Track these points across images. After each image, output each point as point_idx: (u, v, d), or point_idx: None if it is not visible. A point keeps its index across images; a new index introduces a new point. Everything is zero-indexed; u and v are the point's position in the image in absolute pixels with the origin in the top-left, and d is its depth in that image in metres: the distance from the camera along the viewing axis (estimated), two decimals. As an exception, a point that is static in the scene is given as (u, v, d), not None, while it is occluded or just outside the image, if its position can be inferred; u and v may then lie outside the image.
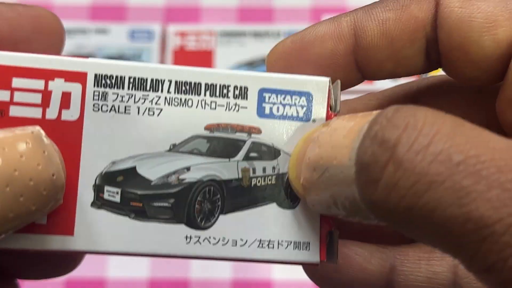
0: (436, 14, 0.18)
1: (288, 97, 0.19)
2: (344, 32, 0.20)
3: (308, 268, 0.21)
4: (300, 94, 0.19)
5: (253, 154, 0.19)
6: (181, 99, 0.18)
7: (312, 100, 0.19)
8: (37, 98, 0.17)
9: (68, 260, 0.22)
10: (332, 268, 0.20)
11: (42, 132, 0.16)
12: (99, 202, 0.18)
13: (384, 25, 0.19)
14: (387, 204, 0.13)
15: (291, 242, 0.19)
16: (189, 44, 0.46)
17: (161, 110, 0.18)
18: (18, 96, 0.17)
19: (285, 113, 0.19)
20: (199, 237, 0.18)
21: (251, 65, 0.46)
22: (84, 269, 0.44)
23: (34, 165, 0.15)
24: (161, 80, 0.18)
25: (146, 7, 0.52)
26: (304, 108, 0.19)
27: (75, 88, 0.18)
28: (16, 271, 0.21)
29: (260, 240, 0.18)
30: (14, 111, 0.17)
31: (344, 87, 0.20)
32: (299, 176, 0.17)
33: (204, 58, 0.46)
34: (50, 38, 0.19)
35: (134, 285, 0.44)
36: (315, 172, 0.16)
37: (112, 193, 0.18)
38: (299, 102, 0.19)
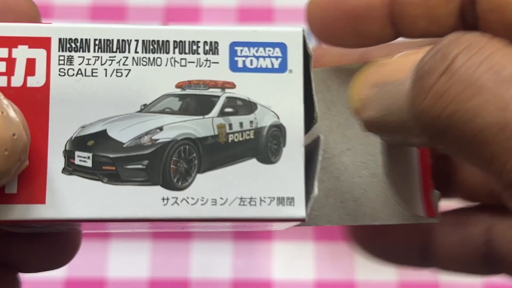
0: None
1: (261, 49, 0.18)
2: None
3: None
4: (274, 45, 0.18)
5: (228, 110, 0.18)
6: (149, 58, 0.18)
7: (286, 50, 0.18)
8: (1, 66, 0.17)
9: (66, 249, 0.21)
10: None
11: (0, 94, 0.16)
12: (70, 168, 0.17)
13: None
14: (434, 110, 0.14)
15: (274, 198, 0.18)
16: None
17: (129, 70, 0.18)
18: None
19: (259, 66, 0.18)
20: (177, 198, 0.18)
21: (251, 65, 0.46)
22: (84, 269, 0.44)
23: None
24: (128, 41, 0.18)
25: (146, 7, 0.52)
26: (279, 59, 0.18)
27: (39, 54, 0.17)
28: (14, 264, 0.21)
29: (241, 197, 0.18)
30: None
31: (377, 42, 0.21)
32: (359, 94, 0.18)
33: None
34: (20, 19, 0.19)
35: (134, 285, 0.44)
36: (375, 89, 0.17)
37: (83, 158, 0.18)
38: (273, 53, 0.18)
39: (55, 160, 0.17)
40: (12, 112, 0.16)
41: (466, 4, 0.19)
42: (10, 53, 0.17)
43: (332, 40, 0.21)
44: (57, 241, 0.21)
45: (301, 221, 0.18)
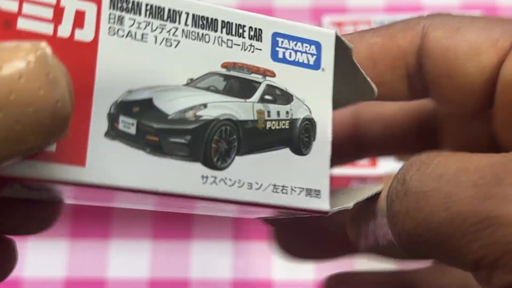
0: (421, 45, 0.20)
1: (299, 44, 0.19)
2: None
3: None
4: (311, 42, 0.19)
5: (267, 97, 0.19)
6: (198, 34, 0.18)
7: (321, 49, 0.19)
8: (48, 12, 0.16)
9: (47, 213, 0.21)
10: None
11: (49, 50, 0.14)
12: (114, 132, 0.17)
13: (371, 48, 0.20)
14: (405, 230, 0.16)
15: (303, 189, 0.19)
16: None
17: (179, 42, 0.18)
18: (28, 8, 0.16)
19: (297, 59, 0.19)
20: (215, 178, 0.18)
21: (251, 65, 0.46)
22: (84, 269, 0.44)
23: (35, 89, 0.13)
24: (179, 12, 0.18)
25: (146, 7, 0.52)
26: (314, 57, 0.19)
27: (89, 8, 0.17)
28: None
29: (275, 184, 0.18)
30: (22, 24, 0.16)
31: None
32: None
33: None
34: None
35: (134, 285, 0.44)
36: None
37: (127, 124, 0.17)
38: (309, 50, 0.19)
39: (98, 122, 0.16)
40: (59, 75, 0.14)
41: (412, 71, 0.20)
42: (58, 0, 0.16)
43: None
44: (40, 207, 0.21)
45: (325, 214, 0.19)
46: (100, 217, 0.46)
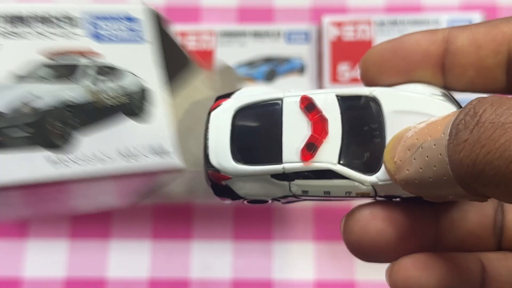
0: None
1: (119, 23, 0.20)
2: (438, 38, 0.22)
3: None
4: (131, 20, 0.21)
5: (100, 77, 0.20)
6: (17, 33, 0.19)
7: (141, 24, 0.21)
8: None
9: None
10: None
11: None
12: None
13: (474, 34, 0.21)
14: (470, 158, 0.16)
15: (152, 151, 0.20)
16: (189, 44, 0.46)
17: (2, 45, 0.19)
18: None
19: (120, 37, 0.20)
20: (65, 160, 0.19)
21: (251, 65, 0.46)
22: (84, 269, 0.44)
23: None
24: None
25: (146, 7, 0.52)
26: (138, 32, 0.21)
27: None
28: None
29: (125, 154, 0.20)
30: None
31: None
32: (393, 157, 0.20)
33: (204, 58, 0.46)
34: None
35: (134, 285, 0.44)
36: (409, 150, 0.19)
37: None
38: (131, 27, 0.21)
39: None
40: None
41: None
42: None
43: (383, 82, 0.23)
44: None
45: (181, 171, 0.20)
46: (100, 217, 0.46)
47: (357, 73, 0.44)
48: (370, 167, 0.22)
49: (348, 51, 0.45)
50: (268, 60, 0.46)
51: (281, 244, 0.45)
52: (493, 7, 0.51)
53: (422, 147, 0.19)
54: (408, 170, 0.19)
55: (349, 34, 0.45)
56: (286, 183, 0.22)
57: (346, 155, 0.22)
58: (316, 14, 0.50)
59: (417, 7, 0.51)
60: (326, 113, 0.22)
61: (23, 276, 0.44)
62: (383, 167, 0.21)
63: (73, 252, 0.45)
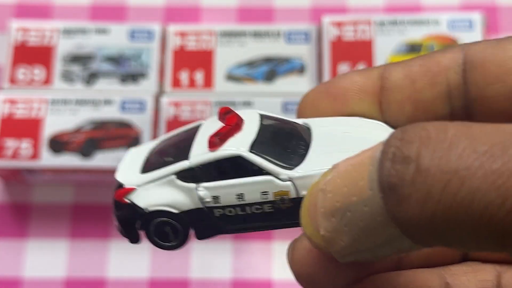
0: (465, 59, 0.19)
1: None
2: (373, 75, 0.21)
3: None
4: None
5: None
6: None
7: None
8: None
9: None
10: None
11: None
12: None
13: (409, 68, 0.20)
14: (425, 214, 0.14)
15: None
16: (189, 44, 0.46)
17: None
18: None
19: None
20: None
21: (251, 65, 0.46)
22: (84, 269, 0.44)
23: None
24: None
25: (146, 7, 0.52)
26: None
27: None
28: None
29: None
30: None
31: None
32: (317, 230, 0.17)
33: (204, 58, 0.46)
34: None
35: (134, 285, 0.44)
36: (334, 218, 0.16)
37: None
38: None
39: None
40: None
41: (453, 88, 0.19)
42: None
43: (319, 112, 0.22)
44: None
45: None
46: (100, 217, 0.46)
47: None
48: (288, 162, 0.19)
49: (348, 51, 0.45)
50: (268, 60, 0.46)
51: (281, 244, 0.45)
52: (493, 7, 0.51)
53: (350, 212, 0.16)
54: (343, 241, 0.16)
55: (349, 34, 0.45)
56: (193, 185, 0.20)
57: (261, 145, 0.20)
58: (316, 14, 0.50)
59: (417, 7, 0.51)
60: (244, 117, 0.20)
61: (23, 276, 0.44)
62: (303, 163, 0.19)
63: (73, 252, 0.45)
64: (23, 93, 0.44)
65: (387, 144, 0.15)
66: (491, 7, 0.51)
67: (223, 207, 0.20)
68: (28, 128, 0.43)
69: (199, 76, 0.45)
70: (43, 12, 0.51)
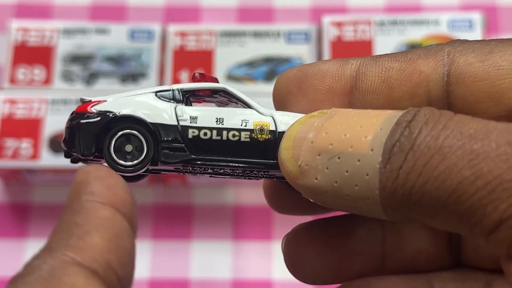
0: (450, 71, 0.18)
1: None
2: (346, 73, 0.20)
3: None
4: None
5: None
6: None
7: None
8: None
9: None
10: None
11: None
12: None
13: (386, 72, 0.19)
14: (405, 186, 0.15)
15: None
16: (189, 44, 0.46)
17: None
18: None
19: None
20: None
21: (251, 65, 0.46)
22: (84, 269, 0.44)
23: None
24: None
25: (146, 7, 0.52)
26: None
27: None
28: None
29: None
30: None
31: None
32: (296, 158, 0.17)
33: (204, 58, 0.46)
34: None
35: (134, 285, 0.44)
36: (320, 156, 0.17)
37: None
38: None
39: None
40: None
41: (433, 99, 0.19)
42: None
43: (289, 108, 0.21)
44: None
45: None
46: (100, 217, 0.46)
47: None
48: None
49: (348, 51, 0.45)
50: (268, 60, 0.46)
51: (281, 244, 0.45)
52: (493, 7, 0.51)
53: (339, 158, 0.16)
54: (317, 179, 0.17)
55: (349, 34, 0.45)
56: (172, 104, 0.20)
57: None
58: (316, 14, 0.50)
59: (417, 7, 0.51)
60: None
61: (23, 276, 0.44)
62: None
63: (73, 252, 0.45)
64: (23, 93, 0.44)
65: (402, 116, 0.16)
66: (491, 7, 0.51)
67: (199, 128, 0.19)
68: (28, 128, 0.43)
69: (199, 76, 0.45)
70: (43, 12, 0.51)
